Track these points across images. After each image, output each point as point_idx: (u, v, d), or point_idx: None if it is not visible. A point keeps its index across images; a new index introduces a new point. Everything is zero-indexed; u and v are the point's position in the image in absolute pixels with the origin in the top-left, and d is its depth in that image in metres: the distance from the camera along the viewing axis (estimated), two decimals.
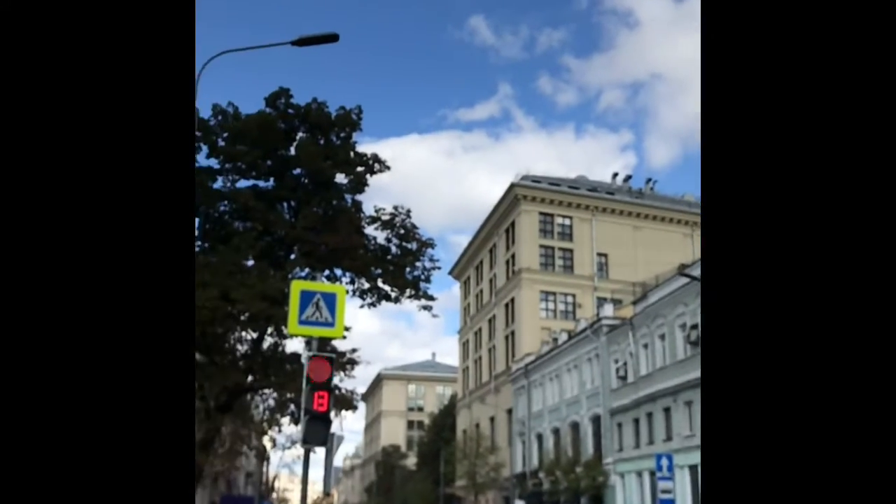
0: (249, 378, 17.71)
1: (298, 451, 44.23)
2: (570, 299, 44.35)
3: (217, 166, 17.32)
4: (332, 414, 10.83)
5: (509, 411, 43.18)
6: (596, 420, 32.93)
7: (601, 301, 39.47)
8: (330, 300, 10.68)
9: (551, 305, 44.32)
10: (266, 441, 30.99)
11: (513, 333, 44.78)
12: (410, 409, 79.52)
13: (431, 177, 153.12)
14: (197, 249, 17.24)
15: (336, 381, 17.78)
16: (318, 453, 10.52)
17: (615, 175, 52.41)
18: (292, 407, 17.51)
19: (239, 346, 18.56)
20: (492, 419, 46.41)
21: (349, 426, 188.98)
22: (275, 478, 56.60)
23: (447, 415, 57.95)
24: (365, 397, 74.75)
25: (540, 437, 38.38)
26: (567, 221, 45.56)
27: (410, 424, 77.60)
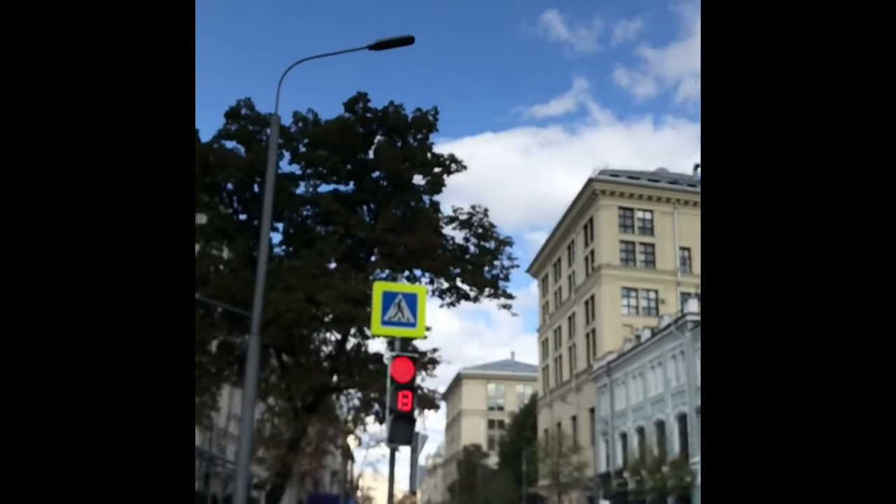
0: (334, 378, 18.06)
1: (382, 449, 44.92)
2: (652, 295, 43.35)
3: (299, 172, 17.74)
4: (416, 413, 10.91)
5: (592, 410, 42.58)
6: (682, 418, 32.10)
7: (685, 296, 38.38)
8: (411, 301, 10.77)
9: (633, 302, 43.44)
10: (351, 440, 31.52)
11: (593, 331, 44.14)
12: (491, 409, 79.50)
13: (507, 175, 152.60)
14: (281, 254, 17.71)
15: (418, 380, 17.94)
16: (403, 452, 10.61)
17: (697, 166, 50.96)
18: (376, 406, 17.75)
19: (324, 347, 18.96)
20: (574, 418, 45.89)
21: (430, 425, 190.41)
22: (359, 476, 57.61)
23: (528, 414, 57.61)
24: (445, 397, 75.17)
25: (624, 437, 37.70)
26: (648, 215, 44.56)
27: (491, 423, 77.58)
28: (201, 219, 17.62)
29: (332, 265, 16.99)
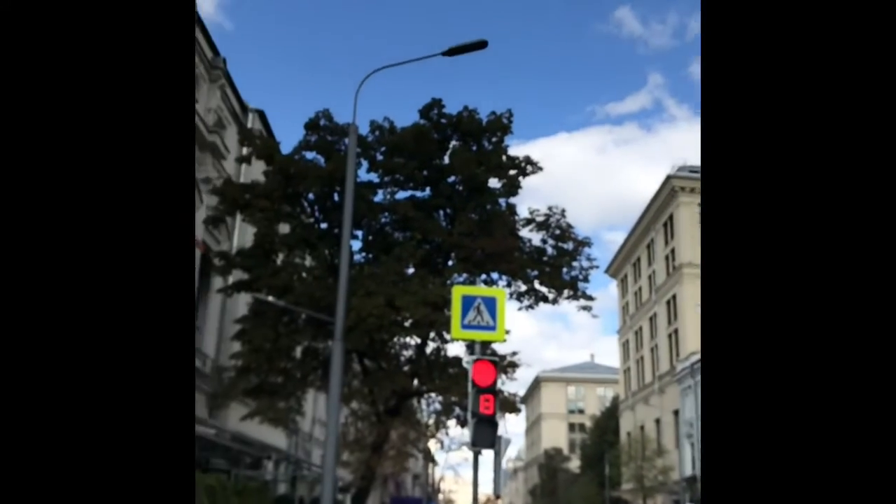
0: (415, 382, 18.22)
1: (463, 453, 45.01)
2: None
3: (377, 180, 18.02)
4: (498, 417, 10.92)
5: (676, 412, 41.53)
6: None
7: None
8: (491, 304, 10.79)
9: None
10: (433, 444, 31.76)
11: (676, 331, 43.06)
12: (571, 412, 78.58)
13: (583, 174, 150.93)
14: (362, 260, 18.02)
15: (498, 383, 17.86)
16: (485, 455, 10.63)
17: None
18: (457, 410, 17.81)
19: (404, 352, 19.17)
20: (657, 421, 44.86)
21: (510, 429, 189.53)
22: (440, 479, 57.91)
23: (610, 417, 56.68)
24: (524, 400, 74.73)
25: None
26: None
27: (572, 427, 76.67)
28: (284, 228, 18.14)
29: (411, 270, 17.17)
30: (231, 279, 18.96)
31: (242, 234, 22.27)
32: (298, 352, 18.23)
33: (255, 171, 20.08)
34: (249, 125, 23.18)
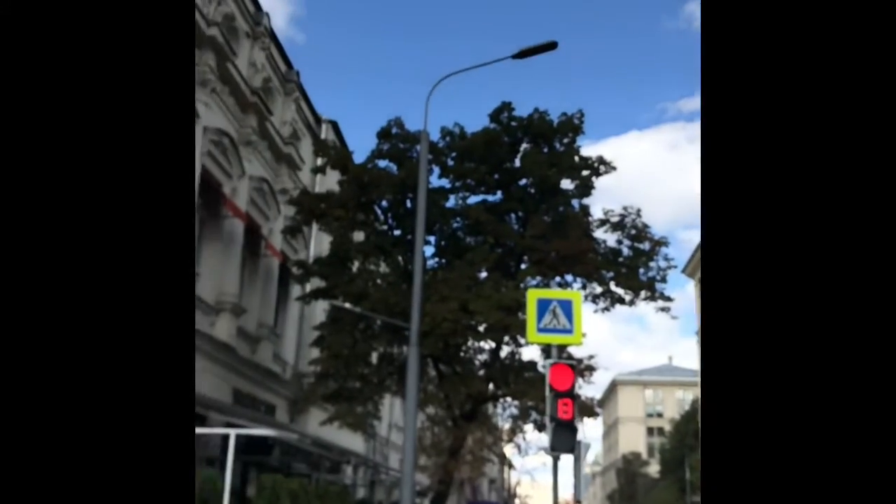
0: (490, 387, 18.20)
1: (540, 458, 44.62)
2: None
3: (448, 185, 18.11)
4: (576, 421, 10.79)
5: None
6: None
7: None
8: (566, 307, 10.69)
9: None
10: (510, 448, 31.65)
11: None
12: (649, 416, 76.89)
13: (655, 172, 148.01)
14: (435, 266, 18.13)
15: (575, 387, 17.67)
16: (562, 460, 10.51)
17: None
18: (534, 414, 17.69)
19: (478, 357, 19.18)
20: None
21: (588, 433, 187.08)
22: (517, 484, 57.59)
23: (690, 420, 55.18)
24: (600, 404, 73.56)
25: None
26: None
27: (650, 431, 75.01)
28: (359, 236, 18.44)
29: (483, 275, 17.18)
30: (308, 287, 19.37)
31: (318, 242, 22.73)
32: (374, 357, 18.47)
33: (330, 181, 20.49)
34: (323, 136, 23.67)
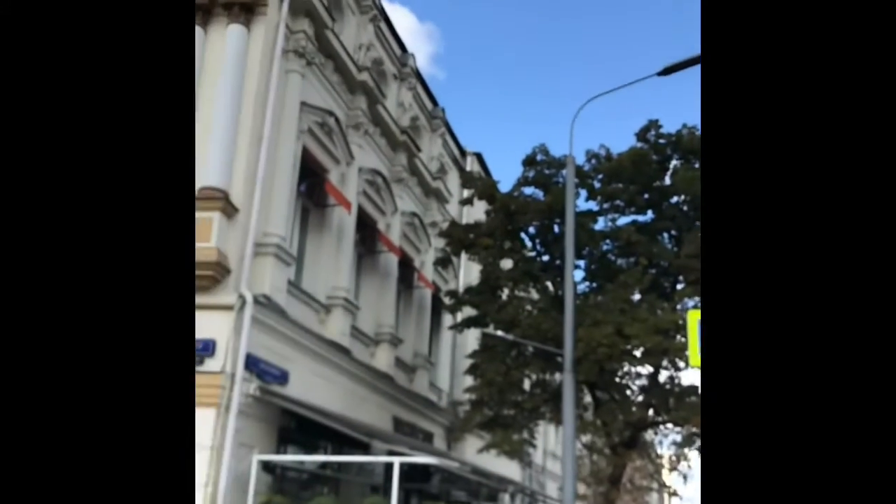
0: (650, 413, 17.63)
1: None
2: None
3: (596, 208, 17.93)
4: None
5: None
6: None
7: None
8: None
9: None
10: (673, 477, 30.36)
11: None
12: None
13: None
14: (586, 290, 17.92)
15: None
16: None
17: None
18: (698, 441, 16.91)
19: (635, 382, 18.63)
20: None
21: None
22: None
23: None
24: None
25: None
26: None
27: None
28: (507, 264, 18.60)
29: (637, 297, 16.76)
30: (460, 316, 19.73)
31: (468, 272, 23.16)
32: (527, 384, 18.44)
33: (477, 211, 20.87)
34: (468, 168, 24.21)
